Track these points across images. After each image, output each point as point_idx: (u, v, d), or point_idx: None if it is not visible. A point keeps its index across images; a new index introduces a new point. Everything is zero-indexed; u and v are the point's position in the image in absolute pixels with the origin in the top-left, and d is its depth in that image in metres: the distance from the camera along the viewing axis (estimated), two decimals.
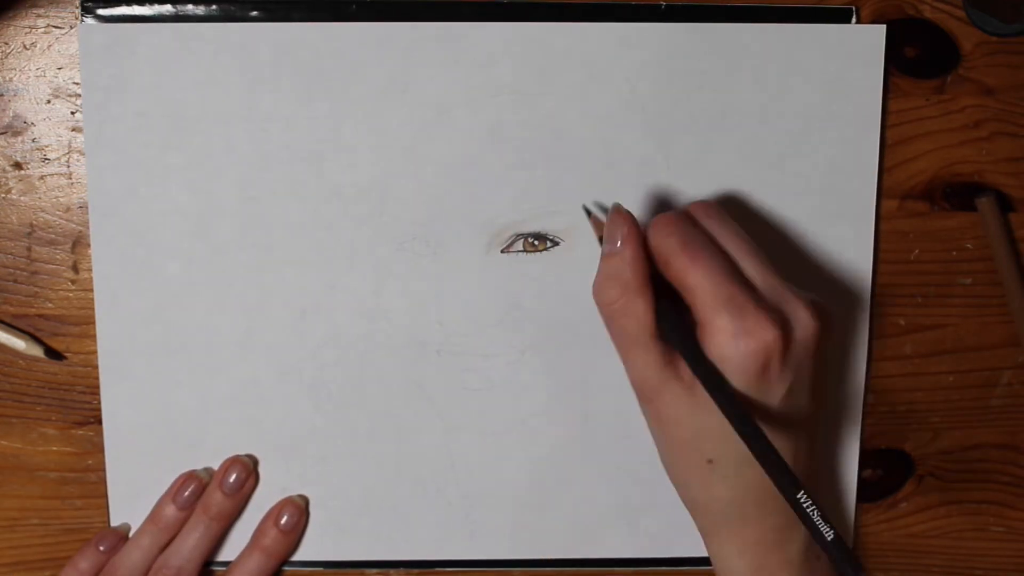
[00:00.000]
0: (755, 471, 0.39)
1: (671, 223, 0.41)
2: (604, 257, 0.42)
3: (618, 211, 0.42)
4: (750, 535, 0.42)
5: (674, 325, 0.40)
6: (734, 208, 0.48)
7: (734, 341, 0.39)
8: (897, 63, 0.48)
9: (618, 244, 0.41)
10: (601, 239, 0.43)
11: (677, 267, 0.40)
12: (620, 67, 0.47)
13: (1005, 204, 0.49)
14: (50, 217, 0.48)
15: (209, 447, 0.49)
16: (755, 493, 0.42)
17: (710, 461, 0.41)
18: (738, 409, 0.39)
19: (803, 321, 0.40)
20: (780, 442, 0.40)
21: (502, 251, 0.48)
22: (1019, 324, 0.50)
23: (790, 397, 0.41)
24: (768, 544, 0.42)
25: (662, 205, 0.48)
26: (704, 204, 0.44)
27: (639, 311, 0.40)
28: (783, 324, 0.40)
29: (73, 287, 0.49)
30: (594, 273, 0.48)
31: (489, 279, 0.48)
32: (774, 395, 0.40)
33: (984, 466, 0.52)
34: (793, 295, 0.41)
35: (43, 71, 0.47)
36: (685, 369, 0.41)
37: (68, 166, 0.48)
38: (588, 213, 0.47)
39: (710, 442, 0.41)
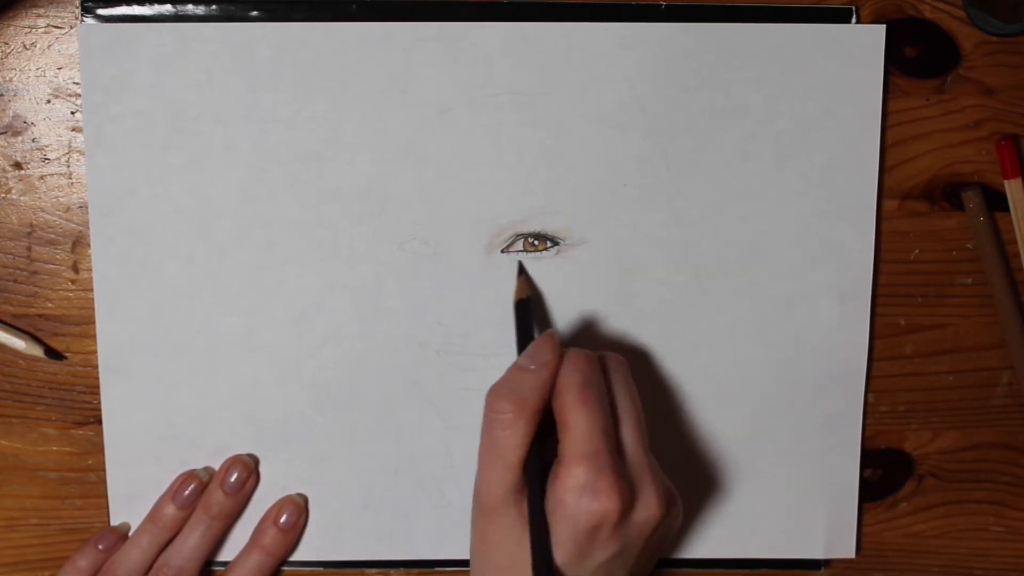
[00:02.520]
0: None
1: (583, 361, 0.42)
2: (516, 368, 0.42)
3: (551, 336, 0.43)
4: None
5: (536, 459, 0.41)
6: (734, 208, 0.48)
7: (578, 493, 0.40)
8: (897, 63, 0.48)
9: (533, 367, 0.42)
10: (515, 302, 0.45)
11: (566, 402, 0.41)
12: (620, 67, 0.47)
13: (997, 201, 0.49)
14: (50, 217, 0.48)
15: (209, 447, 0.49)
16: None
17: None
18: (545, 563, 0.40)
19: (649, 505, 0.41)
20: None
21: (502, 251, 0.48)
22: (1002, 316, 0.50)
23: (608, 565, 0.41)
24: None
25: (662, 205, 0.48)
26: (617, 359, 0.44)
27: (520, 433, 0.41)
28: (629, 499, 0.41)
29: (73, 287, 0.49)
30: (594, 273, 0.48)
31: (489, 279, 0.48)
32: (594, 559, 0.41)
33: (984, 466, 0.52)
34: (652, 478, 0.42)
35: (43, 71, 0.47)
36: (521, 514, 0.41)
37: (68, 166, 0.48)
38: (520, 269, 0.48)
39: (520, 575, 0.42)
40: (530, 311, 0.46)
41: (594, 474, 0.40)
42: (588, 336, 0.49)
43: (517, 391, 0.42)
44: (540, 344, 0.43)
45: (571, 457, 0.40)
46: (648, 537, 0.42)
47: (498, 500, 0.41)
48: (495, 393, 0.42)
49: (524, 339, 0.45)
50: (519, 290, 0.47)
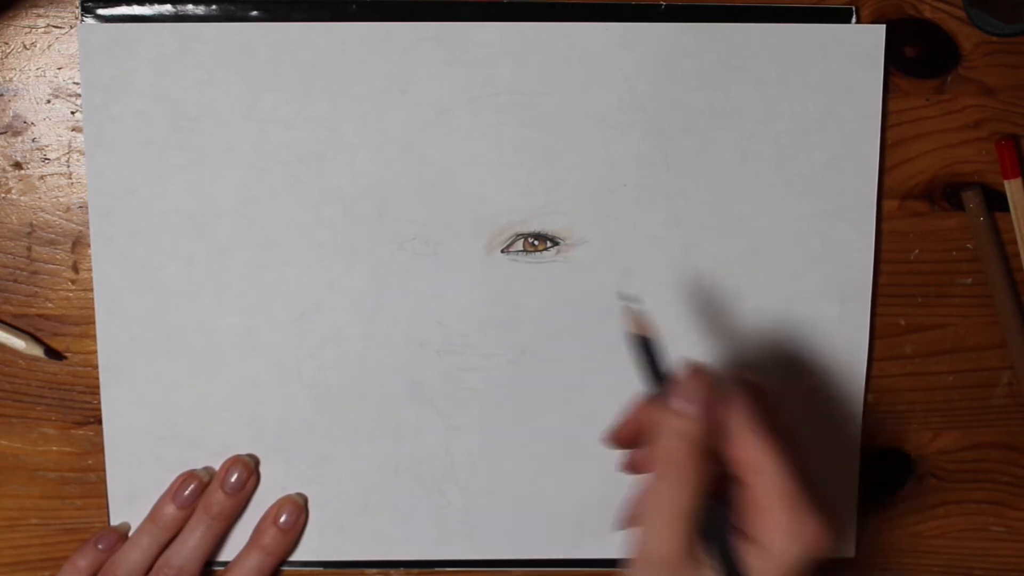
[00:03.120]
0: None
1: (749, 402, 0.39)
2: (675, 413, 0.38)
3: (700, 373, 0.39)
4: None
5: (718, 518, 0.38)
6: (734, 208, 0.48)
7: (792, 538, 0.37)
8: (897, 63, 0.48)
9: (693, 407, 0.38)
10: (632, 334, 0.40)
11: (751, 447, 0.38)
12: (620, 67, 0.47)
13: (997, 201, 0.49)
14: (50, 217, 0.48)
15: (209, 447, 0.49)
16: None
17: None
18: None
19: (819, 537, 0.38)
20: None
21: (502, 251, 0.48)
22: (1002, 316, 0.50)
23: None
24: None
25: (662, 205, 0.48)
26: (767, 390, 0.41)
27: (692, 481, 0.37)
28: (829, 528, 0.38)
29: (73, 287, 0.49)
30: (594, 273, 0.48)
31: (489, 279, 0.48)
32: None
33: (984, 466, 0.52)
34: (816, 510, 0.38)
35: (43, 71, 0.47)
36: (704, 568, 0.38)
37: (68, 166, 0.48)
38: (628, 303, 0.42)
39: None
40: (652, 349, 0.40)
41: (800, 514, 0.37)
42: (588, 336, 0.49)
43: (684, 436, 0.38)
44: (692, 381, 0.38)
45: (772, 502, 0.37)
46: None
47: (672, 559, 0.37)
48: (663, 450, 0.38)
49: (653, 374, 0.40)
50: (635, 325, 0.41)
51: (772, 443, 0.38)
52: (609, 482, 0.50)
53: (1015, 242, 0.50)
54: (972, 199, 0.49)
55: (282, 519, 0.49)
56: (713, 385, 0.38)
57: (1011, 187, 0.49)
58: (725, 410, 0.38)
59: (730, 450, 0.38)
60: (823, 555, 0.37)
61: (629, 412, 0.41)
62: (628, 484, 0.50)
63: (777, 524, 0.37)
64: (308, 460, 0.50)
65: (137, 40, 0.46)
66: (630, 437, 0.42)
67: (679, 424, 0.38)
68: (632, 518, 0.40)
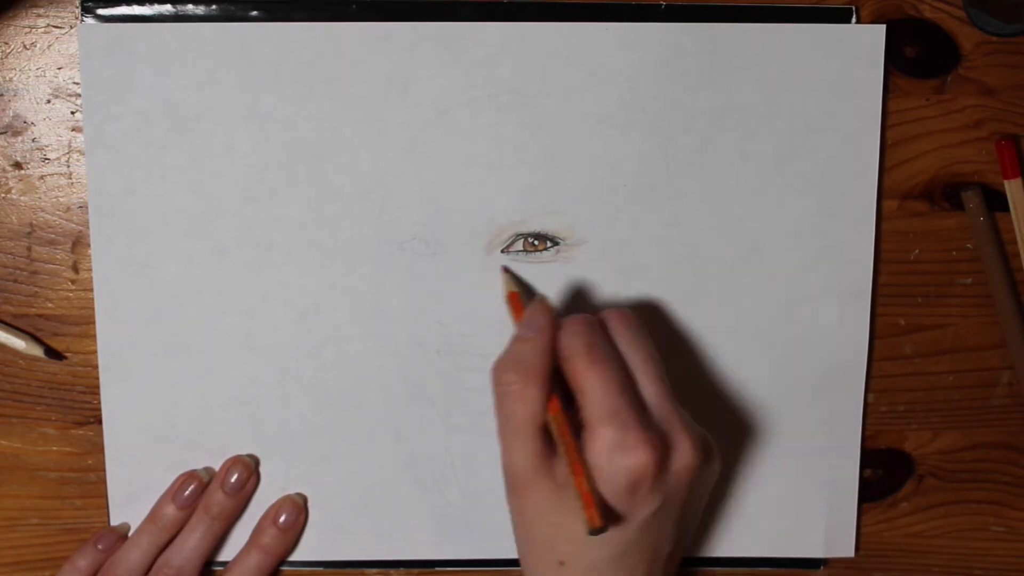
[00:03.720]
0: None
1: (583, 324, 0.42)
2: (515, 340, 0.42)
3: (541, 302, 0.43)
4: None
5: (562, 416, 0.41)
6: (734, 208, 0.48)
7: (609, 454, 0.39)
8: (897, 63, 0.48)
9: (531, 334, 0.42)
10: (506, 299, 0.45)
11: (576, 368, 0.41)
12: (620, 67, 0.47)
13: (997, 201, 0.49)
14: (50, 217, 0.48)
15: (209, 447, 0.49)
16: None
17: (561, 563, 0.42)
18: (602, 503, 0.40)
19: (684, 452, 0.41)
20: (633, 558, 0.41)
21: (502, 251, 0.48)
22: (1002, 316, 0.50)
23: (654, 520, 0.41)
24: None
25: (662, 205, 0.48)
26: (621, 314, 0.44)
27: (532, 399, 0.41)
28: (662, 449, 0.40)
29: (73, 287, 0.49)
30: (594, 273, 0.48)
31: (489, 279, 0.48)
32: (638, 514, 0.41)
33: (984, 466, 0.52)
34: (682, 425, 0.41)
35: (43, 71, 0.47)
36: (559, 467, 0.41)
37: (68, 166, 0.48)
38: (505, 270, 0.48)
39: (565, 544, 0.41)
40: (522, 303, 0.46)
41: (620, 431, 0.39)
42: None
43: (519, 360, 0.41)
44: (532, 311, 0.43)
45: (594, 420, 0.40)
46: (689, 484, 0.41)
47: (528, 472, 0.41)
48: (499, 367, 0.42)
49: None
50: (506, 285, 0.47)
51: (597, 364, 0.40)
52: None
53: (1015, 242, 0.50)
54: (972, 199, 0.49)
55: (282, 519, 0.49)
56: (548, 314, 0.42)
57: (1011, 187, 0.49)
58: (561, 335, 0.42)
59: (564, 368, 0.41)
60: (656, 471, 0.39)
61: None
62: None
63: (600, 445, 0.40)
64: (308, 460, 0.50)
65: (137, 40, 0.46)
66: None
67: (517, 348, 0.42)
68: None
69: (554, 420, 0.41)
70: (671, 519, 0.42)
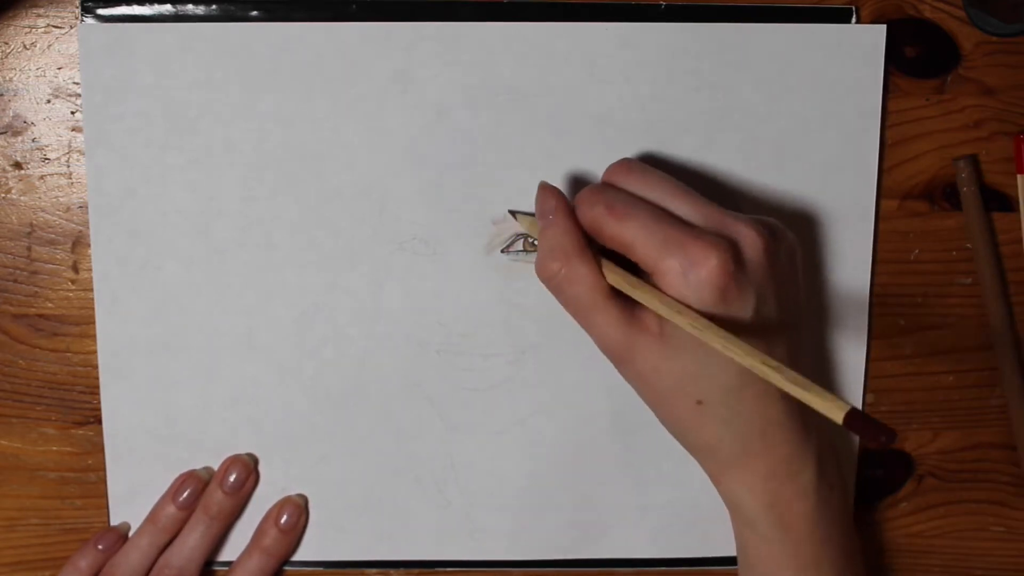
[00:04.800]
0: (748, 402, 0.39)
1: (594, 192, 0.42)
2: (540, 233, 0.42)
3: (544, 187, 0.43)
4: (759, 469, 0.42)
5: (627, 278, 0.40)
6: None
7: (683, 278, 0.39)
8: (897, 63, 0.48)
9: (550, 218, 0.41)
10: (531, 236, 0.44)
11: (610, 231, 0.40)
12: (620, 67, 0.47)
13: (996, 201, 0.50)
14: (50, 217, 0.48)
15: (209, 447, 0.49)
16: (754, 426, 0.41)
17: (699, 402, 0.41)
18: (718, 329, 0.38)
19: (749, 239, 0.40)
20: (762, 351, 0.39)
21: (502, 251, 0.48)
22: (992, 318, 0.50)
23: (758, 314, 0.40)
24: (779, 476, 0.42)
25: None
26: (622, 163, 0.43)
27: (583, 273, 0.40)
28: (729, 246, 0.39)
29: (73, 287, 0.49)
30: None
31: (489, 279, 0.48)
32: (741, 316, 0.40)
33: (984, 466, 0.52)
34: (733, 218, 0.41)
35: (43, 71, 0.47)
36: (650, 318, 0.40)
37: (68, 166, 0.48)
38: (514, 214, 0.47)
39: (694, 384, 0.41)
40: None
41: (680, 252, 0.39)
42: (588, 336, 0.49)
43: (552, 248, 0.41)
44: (540, 200, 0.42)
45: (652, 259, 0.39)
46: (771, 267, 0.41)
47: (621, 338, 0.41)
48: (538, 268, 0.42)
49: None
50: (525, 225, 0.47)
51: (624, 215, 0.40)
52: (609, 482, 0.50)
53: (1015, 242, 0.50)
54: (964, 168, 0.48)
55: (283, 520, 0.49)
56: (554, 191, 0.42)
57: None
58: (579, 211, 0.41)
59: (606, 243, 0.41)
60: (734, 268, 0.39)
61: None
62: (627, 487, 0.50)
63: (670, 276, 0.39)
64: (308, 460, 0.50)
65: (137, 40, 0.46)
66: None
67: (544, 240, 0.42)
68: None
69: (616, 277, 0.40)
70: (772, 305, 0.41)
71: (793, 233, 0.43)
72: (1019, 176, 0.49)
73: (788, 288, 0.42)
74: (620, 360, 0.42)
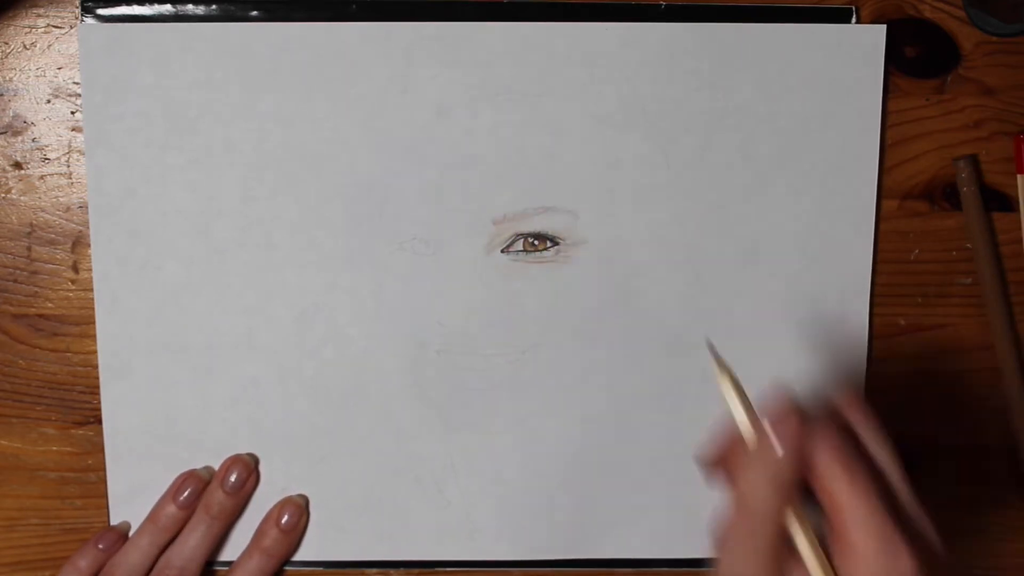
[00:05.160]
0: None
1: (834, 438, 0.38)
2: (764, 453, 0.38)
3: (792, 412, 0.38)
4: None
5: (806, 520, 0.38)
6: (734, 208, 0.48)
7: (873, 563, 0.37)
8: (897, 63, 0.48)
9: (782, 448, 0.38)
10: (721, 375, 0.40)
11: (835, 488, 0.37)
12: (620, 67, 0.47)
13: (995, 201, 0.49)
14: (50, 217, 0.48)
15: (209, 447, 0.49)
16: None
17: None
18: None
19: (939, 553, 0.38)
20: None
21: (502, 251, 0.48)
22: (991, 316, 0.50)
23: None
24: None
25: (662, 205, 0.48)
26: (863, 408, 0.41)
27: (773, 520, 0.37)
28: (925, 554, 0.37)
29: (73, 287, 0.49)
30: (594, 273, 0.48)
31: (489, 279, 0.48)
32: None
33: (984, 466, 0.52)
34: (933, 526, 0.39)
35: (43, 71, 0.47)
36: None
37: (68, 166, 0.48)
38: (713, 350, 0.42)
39: None
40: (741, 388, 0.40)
41: (884, 542, 0.37)
42: (588, 336, 0.49)
43: (773, 478, 0.37)
44: (782, 422, 0.38)
45: (857, 535, 0.37)
46: None
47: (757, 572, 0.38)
48: (749, 485, 0.38)
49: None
50: (720, 369, 0.41)
51: (858, 479, 0.37)
52: (609, 482, 0.50)
53: (1015, 242, 0.50)
54: (964, 168, 0.48)
55: (283, 520, 0.49)
56: (801, 421, 0.38)
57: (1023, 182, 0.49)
58: (811, 443, 0.38)
59: (816, 484, 0.38)
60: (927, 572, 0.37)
61: (720, 437, 0.41)
62: (627, 487, 0.50)
63: (864, 564, 0.37)
64: (308, 460, 0.50)
65: (137, 40, 0.46)
66: (717, 459, 0.42)
67: (765, 464, 0.38)
68: (716, 541, 0.40)
69: (801, 528, 0.38)
70: None
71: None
72: (1019, 176, 0.49)
73: None
74: None
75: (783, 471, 0.38)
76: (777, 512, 0.38)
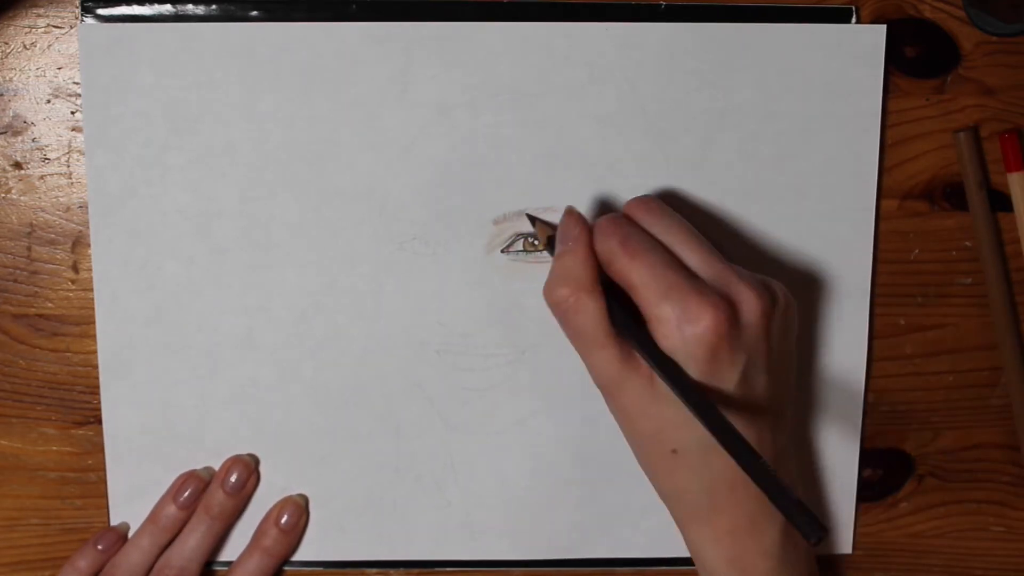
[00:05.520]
0: (721, 458, 0.39)
1: (612, 224, 0.42)
2: (556, 257, 0.42)
3: (570, 213, 0.43)
4: (723, 524, 0.42)
5: (625, 320, 0.41)
6: (734, 208, 0.48)
7: (678, 329, 0.39)
8: (897, 63, 0.48)
9: (570, 244, 0.42)
10: (545, 244, 0.44)
11: (619, 266, 0.41)
12: (620, 67, 0.47)
13: (996, 201, 0.49)
14: (50, 217, 0.48)
15: (209, 447, 0.49)
16: (724, 481, 0.42)
17: (674, 451, 0.42)
18: (693, 394, 0.39)
19: (749, 302, 0.40)
20: (741, 423, 0.40)
21: (502, 251, 0.48)
22: (995, 315, 0.50)
23: (746, 379, 0.41)
24: (742, 533, 0.42)
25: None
26: (643, 201, 0.44)
27: (591, 308, 0.41)
28: (727, 307, 0.40)
29: (73, 287, 0.49)
30: None
31: (489, 279, 0.48)
32: (728, 379, 0.40)
33: (984, 466, 0.52)
34: (738, 277, 0.41)
35: (43, 71, 0.47)
36: (643, 362, 0.41)
37: (68, 166, 0.48)
38: (532, 220, 0.47)
39: (673, 432, 0.41)
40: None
41: (680, 304, 0.39)
42: None
43: (565, 275, 0.41)
44: (564, 224, 0.43)
45: (652, 304, 0.40)
46: (766, 332, 0.41)
47: (615, 375, 0.41)
48: (548, 290, 0.42)
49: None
50: (540, 231, 0.47)
51: (635, 253, 0.41)
52: (609, 482, 0.50)
53: (1018, 241, 0.50)
54: (964, 140, 0.48)
55: (283, 520, 0.49)
56: (580, 220, 0.43)
57: (1014, 180, 0.49)
58: (595, 240, 0.42)
59: (611, 272, 0.42)
60: (728, 330, 0.40)
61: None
62: (627, 487, 0.50)
63: (665, 324, 0.40)
64: (308, 460, 0.50)
65: (137, 40, 0.46)
66: None
67: (559, 264, 0.42)
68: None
69: (619, 316, 0.41)
70: (762, 373, 0.41)
71: (795, 300, 0.44)
72: (1009, 175, 0.49)
73: (780, 358, 0.43)
74: (610, 395, 0.42)
75: (573, 266, 0.42)
76: (590, 308, 0.41)
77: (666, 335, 0.40)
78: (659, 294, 0.40)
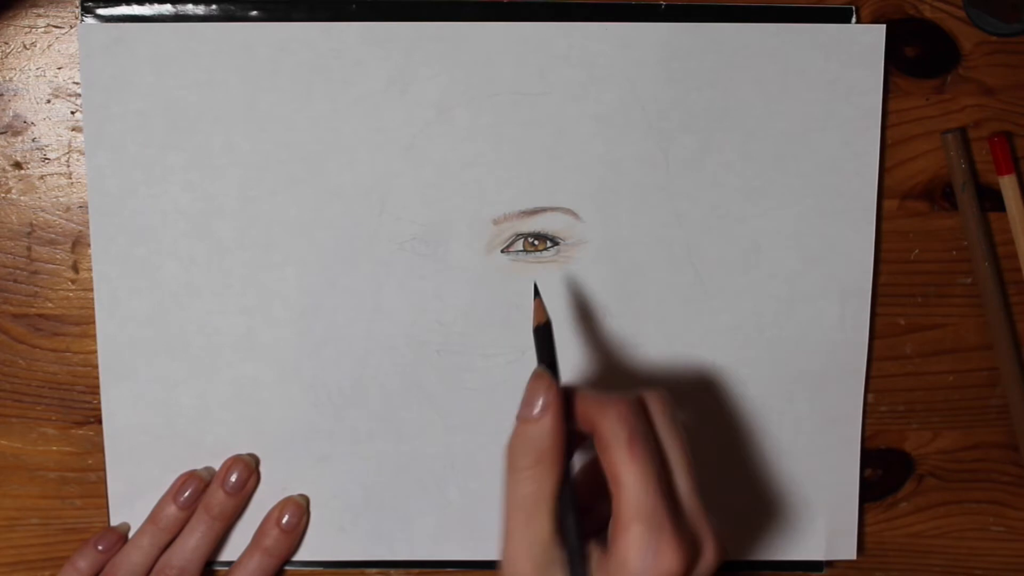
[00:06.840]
0: None
1: (627, 412, 0.39)
2: (522, 420, 0.40)
3: (540, 376, 0.40)
4: None
5: (575, 518, 0.39)
6: (734, 208, 0.48)
7: (641, 555, 0.38)
8: (897, 63, 0.48)
9: (536, 411, 0.40)
10: (537, 326, 0.42)
11: (615, 457, 0.39)
12: (620, 67, 0.47)
13: (992, 200, 0.49)
14: (50, 217, 0.48)
15: (209, 447, 0.49)
16: None
17: None
18: None
19: (708, 558, 0.39)
20: None
21: (502, 251, 0.48)
22: (990, 314, 0.50)
23: None
24: None
25: (662, 205, 0.48)
26: (660, 397, 0.42)
27: (547, 486, 0.39)
28: (692, 555, 0.39)
29: (73, 287, 0.49)
30: (594, 273, 0.48)
31: (489, 279, 0.48)
32: None
33: (984, 466, 0.52)
34: (710, 528, 0.40)
35: (43, 71, 0.47)
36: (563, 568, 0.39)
37: (68, 166, 0.48)
38: (536, 291, 0.44)
39: None
40: (551, 337, 0.43)
41: (655, 533, 0.38)
42: (588, 336, 0.49)
43: (530, 442, 0.39)
44: (532, 388, 0.40)
45: (628, 516, 0.38)
46: None
47: (538, 559, 0.38)
48: (511, 451, 0.39)
49: (548, 366, 0.42)
50: (537, 315, 0.43)
51: (639, 457, 0.38)
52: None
53: (1010, 243, 0.50)
54: (952, 142, 0.48)
55: (284, 520, 0.49)
56: (551, 389, 0.40)
57: (1005, 183, 0.49)
58: (600, 419, 0.39)
59: (600, 453, 0.39)
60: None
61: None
62: None
63: (631, 542, 0.38)
64: (308, 460, 0.50)
65: (137, 40, 0.46)
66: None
67: (524, 430, 0.39)
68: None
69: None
70: None
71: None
72: (1000, 178, 0.49)
73: None
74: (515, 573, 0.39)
75: (537, 436, 0.39)
76: (543, 482, 0.39)
77: (627, 552, 0.38)
78: (640, 510, 0.38)
